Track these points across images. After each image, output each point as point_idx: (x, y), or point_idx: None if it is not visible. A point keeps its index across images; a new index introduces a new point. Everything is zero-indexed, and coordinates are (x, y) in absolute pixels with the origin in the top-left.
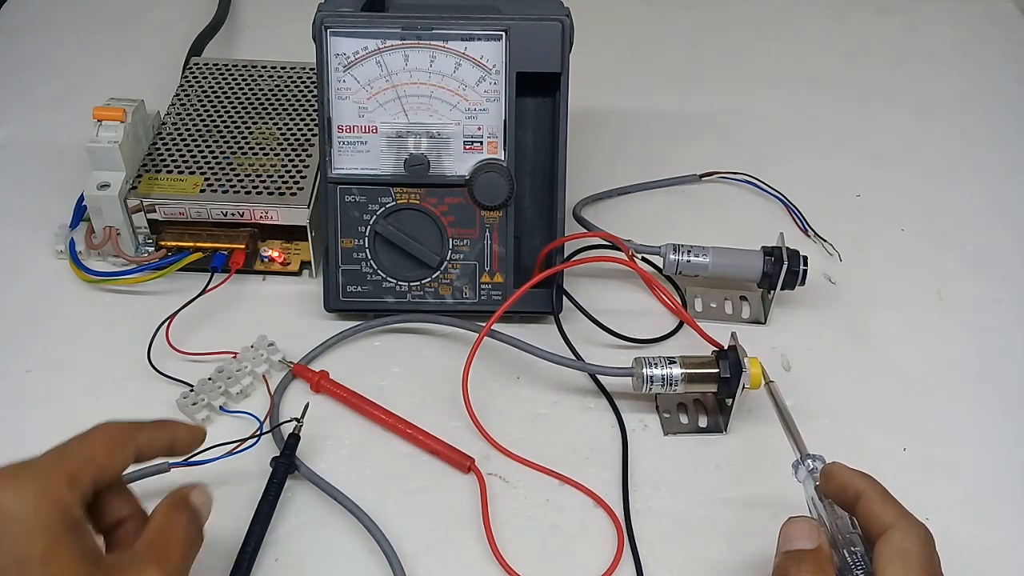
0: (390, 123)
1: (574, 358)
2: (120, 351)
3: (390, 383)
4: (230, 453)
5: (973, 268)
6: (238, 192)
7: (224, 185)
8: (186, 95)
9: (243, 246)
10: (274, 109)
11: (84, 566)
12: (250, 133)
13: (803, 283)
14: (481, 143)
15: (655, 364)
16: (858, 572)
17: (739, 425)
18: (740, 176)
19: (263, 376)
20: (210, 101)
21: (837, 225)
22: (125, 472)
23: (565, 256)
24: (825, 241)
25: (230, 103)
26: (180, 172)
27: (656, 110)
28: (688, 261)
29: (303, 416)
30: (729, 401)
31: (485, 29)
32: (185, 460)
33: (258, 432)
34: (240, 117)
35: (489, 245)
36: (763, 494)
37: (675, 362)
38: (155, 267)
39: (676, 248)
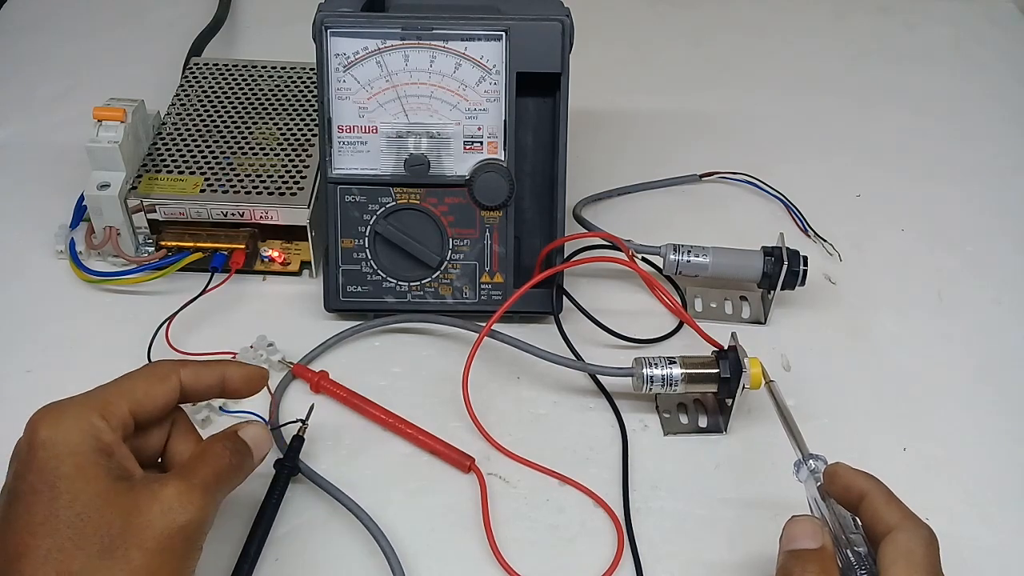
0: (390, 123)
1: (574, 358)
2: (120, 351)
3: (390, 383)
4: None
5: (973, 269)
6: (238, 192)
7: (224, 185)
8: (186, 95)
9: (243, 246)
10: (274, 109)
11: (107, 480)
12: (250, 133)
13: (803, 283)
14: (481, 143)
15: (655, 364)
16: (862, 572)
17: (739, 425)
18: (740, 176)
19: None
20: (210, 101)
21: (837, 225)
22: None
23: (565, 256)
24: (825, 241)
25: (230, 103)
26: (180, 172)
27: (656, 110)
28: (688, 261)
29: (308, 418)
30: (729, 401)
31: (485, 29)
32: None
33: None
34: (240, 117)
35: (489, 245)
36: (763, 494)
37: (675, 362)
38: (155, 267)
39: (676, 248)
